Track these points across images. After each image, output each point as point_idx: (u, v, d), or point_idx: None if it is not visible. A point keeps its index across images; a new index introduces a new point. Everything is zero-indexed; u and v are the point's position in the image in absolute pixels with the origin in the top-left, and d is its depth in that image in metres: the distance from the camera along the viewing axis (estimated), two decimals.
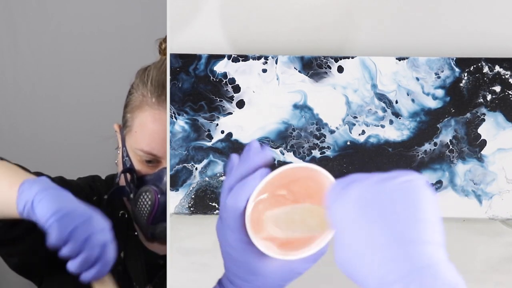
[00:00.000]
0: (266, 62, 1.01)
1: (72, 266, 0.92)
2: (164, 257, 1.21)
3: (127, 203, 1.29)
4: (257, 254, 0.75)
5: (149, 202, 1.21)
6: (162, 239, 1.23)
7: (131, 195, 1.24)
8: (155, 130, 1.21)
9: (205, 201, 1.01)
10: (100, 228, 0.93)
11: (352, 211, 0.64)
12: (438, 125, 1.01)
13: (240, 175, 0.74)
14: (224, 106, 1.01)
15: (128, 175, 1.24)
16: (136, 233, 1.29)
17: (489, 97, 1.01)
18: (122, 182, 1.27)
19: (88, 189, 1.30)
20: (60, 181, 1.27)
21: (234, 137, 1.01)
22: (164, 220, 1.20)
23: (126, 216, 1.29)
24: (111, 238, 0.94)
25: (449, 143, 1.01)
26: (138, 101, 1.25)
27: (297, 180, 0.75)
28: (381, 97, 1.01)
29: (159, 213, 1.21)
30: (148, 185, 1.22)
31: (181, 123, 1.01)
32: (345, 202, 0.65)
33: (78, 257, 0.91)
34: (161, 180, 1.21)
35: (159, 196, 1.20)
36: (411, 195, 0.64)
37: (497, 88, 1.01)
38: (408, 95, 1.01)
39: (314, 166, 0.73)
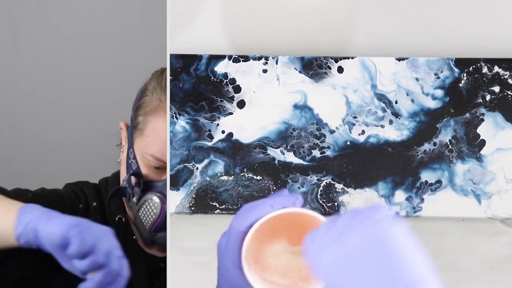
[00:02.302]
0: (266, 63, 1.01)
1: (92, 282, 0.91)
2: (164, 260, 1.21)
3: (126, 204, 1.29)
4: (248, 283, 0.75)
5: (155, 211, 1.20)
6: (161, 245, 1.22)
7: (134, 199, 1.23)
8: (165, 139, 1.20)
9: (205, 200, 1.01)
10: (116, 243, 0.93)
11: (336, 269, 0.65)
12: (437, 125, 1.01)
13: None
14: (224, 106, 1.01)
15: (133, 179, 1.23)
16: (134, 237, 1.28)
17: (488, 97, 1.01)
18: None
19: (73, 197, 1.28)
20: (42, 193, 1.26)
21: (234, 137, 1.01)
22: (166, 228, 1.20)
23: (124, 220, 1.29)
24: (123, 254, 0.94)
25: (448, 143, 1.01)
26: (154, 105, 1.23)
27: (298, 226, 0.76)
28: (381, 97, 1.01)
29: (163, 222, 1.20)
30: (154, 192, 1.21)
31: (182, 123, 1.01)
32: (328, 260, 0.66)
33: (100, 271, 0.91)
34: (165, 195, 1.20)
35: (165, 205, 1.19)
36: (386, 245, 0.64)
37: (496, 88, 1.01)
38: (407, 95, 1.01)
39: (320, 217, 0.74)
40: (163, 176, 1.21)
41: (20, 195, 1.22)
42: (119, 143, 1.33)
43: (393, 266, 0.63)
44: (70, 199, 1.27)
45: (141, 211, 1.21)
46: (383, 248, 0.64)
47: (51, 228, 0.92)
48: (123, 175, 1.27)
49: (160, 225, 1.20)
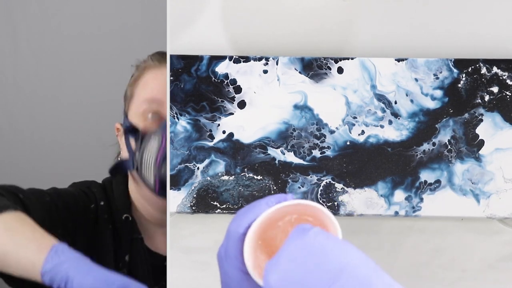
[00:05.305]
0: (267, 63, 1.02)
1: None
2: None
3: (132, 175, 1.29)
4: (253, 286, 0.75)
5: (157, 140, 1.22)
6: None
7: (137, 155, 1.23)
8: (156, 84, 1.26)
9: (206, 200, 1.02)
10: None
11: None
12: (436, 125, 1.02)
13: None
14: (225, 107, 1.02)
15: (133, 144, 1.25)
16: (140, 236, 1.29)
17: (487, 97, 1.02)
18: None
19: (84, 197, 1.29)
20: (55, 193, 1.27)
21: (235, 137, 1.02)
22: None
23: (130, 219, 1.29)
24: None
25: (447, 143, 1.02)
26: (140, 70, 1.29)
27: (298, 217, 0.77)
28: (381, 97, 1.02)
29: (165, 152, 1.20)
30: (153, 135, 1.24)
31: (183, 123, 1.02)
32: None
33: None
34: (165, 129, 1.20)
35: (165, 135, 1.21)
36: (310, 245, 0.70)
37: (495, 89, 1.02)
38: (407, 95, 1.02)
39: (317, 205, 0.76)
40: (159, 123, 1.24)
41: (38, 197, 1.22)
42: (118, 149, 1.33)
43: (318, 259, 0.68)
44: (82, 200, 1.28)
45: (145, 153, 1.22)
46: (309, 250, 0.69)
47: (91, 281, 0.90)
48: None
49: (164, 156, 1.21)
